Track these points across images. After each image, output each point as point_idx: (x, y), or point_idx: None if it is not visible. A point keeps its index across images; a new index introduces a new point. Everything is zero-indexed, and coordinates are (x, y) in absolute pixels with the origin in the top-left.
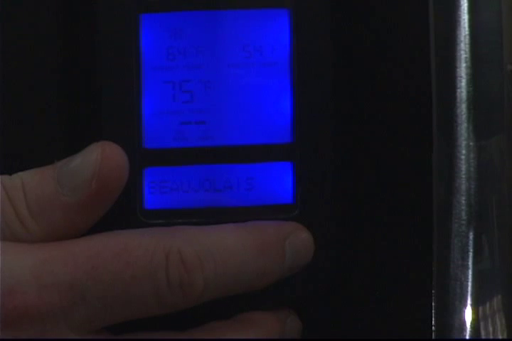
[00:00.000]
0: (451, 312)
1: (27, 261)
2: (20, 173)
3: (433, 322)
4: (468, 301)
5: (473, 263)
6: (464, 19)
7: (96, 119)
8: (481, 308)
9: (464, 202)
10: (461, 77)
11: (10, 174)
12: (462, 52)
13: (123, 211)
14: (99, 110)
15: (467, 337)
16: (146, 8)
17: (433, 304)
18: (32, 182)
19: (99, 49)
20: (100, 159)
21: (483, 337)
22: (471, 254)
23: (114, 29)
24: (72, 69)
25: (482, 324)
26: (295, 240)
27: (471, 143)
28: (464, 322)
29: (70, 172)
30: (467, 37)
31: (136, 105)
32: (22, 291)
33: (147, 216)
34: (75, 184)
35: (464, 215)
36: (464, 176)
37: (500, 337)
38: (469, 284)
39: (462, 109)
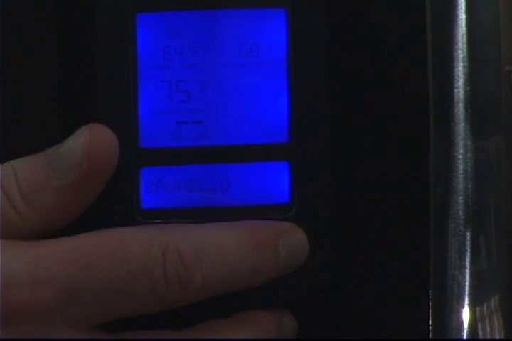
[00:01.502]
0: (448, 312)
1: (22, 257)
2: (11, 161)
3: (430, 322)
4: (466, 301)
5: (471, 263)
6: (461, 18)
7: (93, 118)
8: (478, 308)
9: (461, 201)
10: (458, 76)
11: None
12: (460, 51)
13: (120, 211)
14: (96, 109)
15: (465, 337)
16: (143, 7)
17: (430, 304)
18: (23, 168)
19: (97, 48)
20: (89, 140)
21: (480, 337)
22: (468, 254)
23: (112, 28)
24: (69, 69)
25: (480, 324)
26: (289, 240)
27: (468, 143)
28: (461, 322)
29: (61, 156)
30: (464, 36)
31: (133, 104)
32: (16, 287)
33: (144, 216)
34: (66, 166)
35: (461, 215)
36: (461, 176)
37: (497, 338)
38: (467, 284)
39: (459, 108)
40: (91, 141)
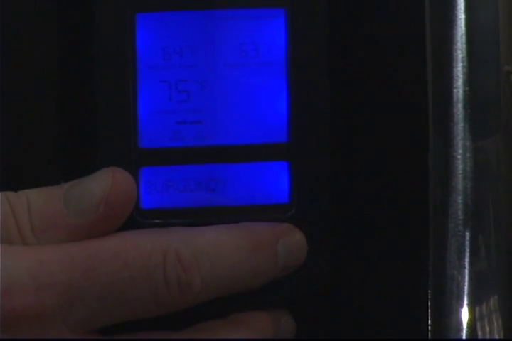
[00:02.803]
0: (447, 312)
1: (25, 263)
2: (26, 191)
3: (429, 321)
4: (465, 301)
5: (470, 263)
6: (460, 19)
7: (92, 119)
8: (477, 308)
9: (460, 201)
10: (457, 76)
11: (11, 176)
12: (459, 51)
13: None
14: (95, 109)
15: (464, 337)
16: (143, 7)
17: (429, 304)
18: (38, 200)
19: (96, 48)
20: (110, 184)
21: (479, 337)
22: (467, 254)
23: (111, 28)
24: (69, 69)
25: (479, 324)
26: (287, 241)
27: (467, 143)
28: (460, 322)
29: (78, 195)
30: (464, 36)
31: (133, 104)
32: (20, 292)
33: (143, 216)
34: (82, 207)
35: (460, 215)
36: (460, 176)
37: (496, 337)
38: (466, 284)
39: (458, 108)
40: (112, 185)
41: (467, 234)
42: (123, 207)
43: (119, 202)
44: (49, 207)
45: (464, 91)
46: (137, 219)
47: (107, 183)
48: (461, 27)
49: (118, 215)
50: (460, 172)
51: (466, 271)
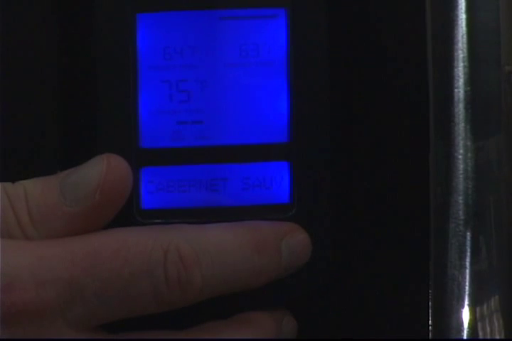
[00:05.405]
0: (448, 312)
1: (25, 258)
2: (22, 181)
3: (430, 322)
4: (466, 301)
5: (471, 264)
6: (461, 18)
7: (93, 119)
8: (478, 308)
9: (461, 201)
10: (458, 76)
11: (11, 176)
12: (460, 51)
13: (120, 211)
14: (96, 109)
15: (464, 338)
16: (143, 7)
17: (430, 304)
18: (35, 190)
19: (97, 48)
20: (105, 171)
21: (480, 337)
22: (468, 254)
23: (112, 28)
24: (69, 68)
25: (480, 324)
26: (291, 240)
27: (468, 143)
28: (461, 323)
29: (74, 183)
30: (465, 36)
31: (133, 104)
32: (20, 288)
33: (144, 216)
34: (78, 195)
35: (461, 215)
36: (461, 176)
37: (497, 338)
38: (467, 284)
39: (460, 108)
40: (107, 172)
41: (468, 234)
42: (119, 192)
43: (114, 188)
44: (46, 196)
45: (465, 91)
46: (138, 219)
47: (101, 170)
48: (462, 27)
49: (114, 202)
50: (461, 172)
51: (467, 271)
